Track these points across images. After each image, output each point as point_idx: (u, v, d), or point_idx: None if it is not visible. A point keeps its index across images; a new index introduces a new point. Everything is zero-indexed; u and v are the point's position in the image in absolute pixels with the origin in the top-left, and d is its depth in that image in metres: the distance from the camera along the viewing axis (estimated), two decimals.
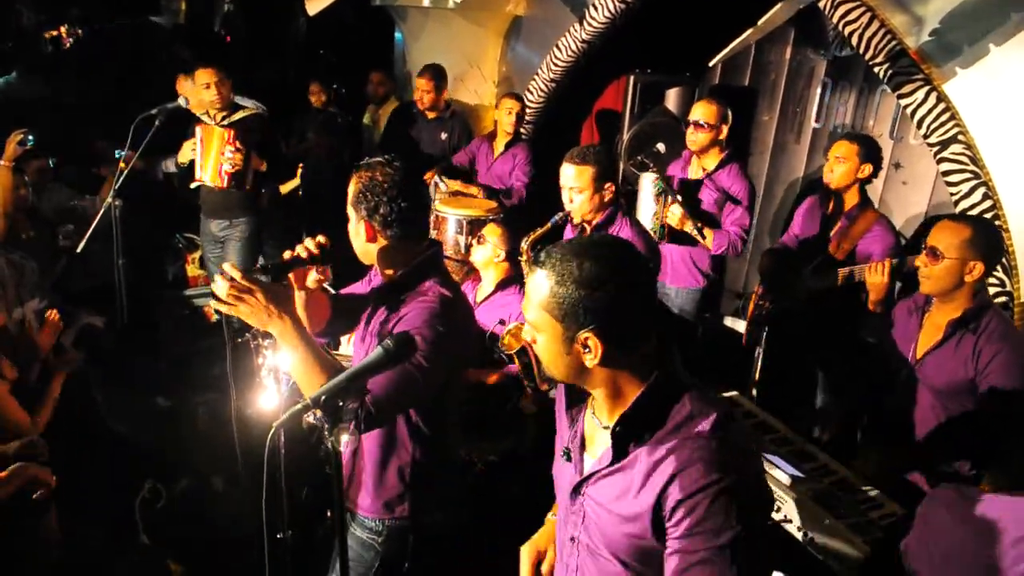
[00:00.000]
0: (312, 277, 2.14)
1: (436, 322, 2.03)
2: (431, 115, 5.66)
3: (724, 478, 1.36)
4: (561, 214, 3.26)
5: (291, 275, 2.09)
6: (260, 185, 4.69)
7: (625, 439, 1.48)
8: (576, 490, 1.60)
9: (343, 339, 3.59)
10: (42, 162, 4.69)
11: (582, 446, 1.62)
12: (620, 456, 1.49)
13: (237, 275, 1.90)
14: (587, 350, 1.41)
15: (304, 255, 2.05)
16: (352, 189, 2.10)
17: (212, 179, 4.40)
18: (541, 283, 1.41)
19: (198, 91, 4.49)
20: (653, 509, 1.42)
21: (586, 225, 3.25)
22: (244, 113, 4.63)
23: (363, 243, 2.14)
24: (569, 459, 1.63)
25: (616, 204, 3.23)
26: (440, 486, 2.34)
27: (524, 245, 3.37)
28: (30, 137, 3.82)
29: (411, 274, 2.14)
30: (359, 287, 2.45)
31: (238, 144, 4.29)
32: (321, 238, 2.08)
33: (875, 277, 3.22)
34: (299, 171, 6.12)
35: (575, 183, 3.15)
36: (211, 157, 4.36)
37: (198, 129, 4.40)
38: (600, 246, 1.41)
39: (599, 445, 1.57)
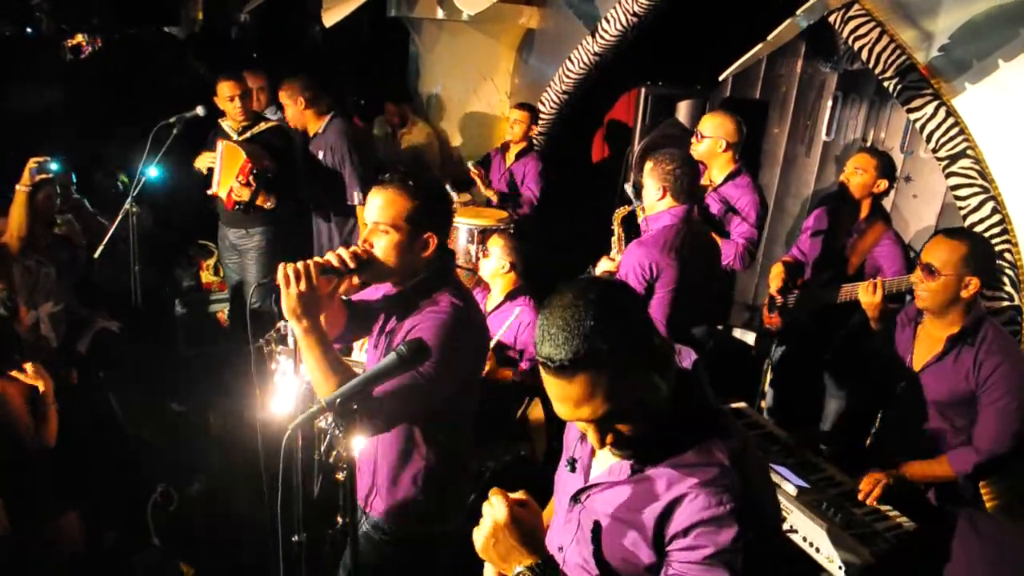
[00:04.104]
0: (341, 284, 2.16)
1: (447, 333, 2.05)
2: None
3: (735, 510, 1.37)
4: (639, 202, 3.52)
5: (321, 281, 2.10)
6: (278, 198, 4.69)
7: (644, 461, 1.48)
8: (575, 497, 1.60)
9: (355, 345, 3.63)
10: (65, 177, 4.73)
11: (592, 454, 1.61)
12: (635, 473, 1.49)
13: (321, 259, 2.00)
14: None
15: (336, 263, 2.04)
16: (407, 204, 2.08)
17: (224, 197, 4.52)
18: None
19: (222, 102, 4.54)
20: (655, 525, 1.43)
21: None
22: (265, 126, 4.68)
23: (415, 257, 2.13)
24: (573, 470, 1.64)
25: (677, 206, 3.31)
26: (452, 494, 2.37)
27: (615, 221, 3.74)
28: (52, 165, 3.79)
29: (424, 283, 2.17)
30: (370, 293, 2.47)
31: (250, 179, 4.37)
32: (349, 251, 2.07)
33: (867, 296, 3.21)
34: None
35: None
36: (227, 177, 4.43)
37: (219, 144, 4.45)
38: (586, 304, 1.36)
39: (609, 456, 1.54)
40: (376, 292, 2.45)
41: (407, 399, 2.02)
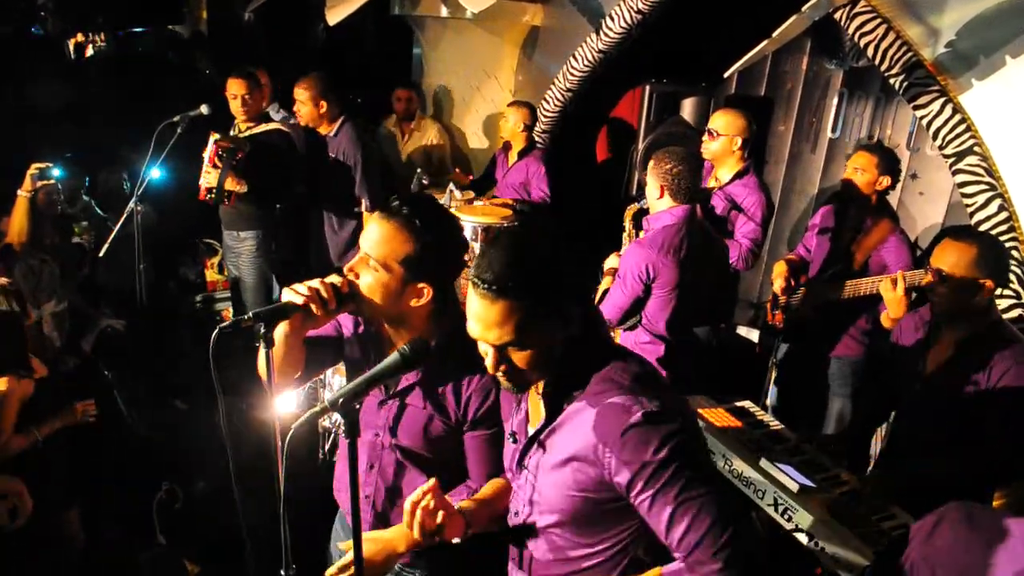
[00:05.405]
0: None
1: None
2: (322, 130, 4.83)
3: (646, 414, 1.46)
4: (646, 201, 3.52)
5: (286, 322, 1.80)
6: (272, 201, 4.67)
7: (557, 398, 1.59)
8: (520, 462, 1.69)
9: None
10: (73, 181, 4.75)
11: (527, 421, 1.71)
12: (555, 414, 1.60)
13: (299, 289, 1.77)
14: None
15: (310, 296, 1.76)
16: (407, 245, 1.78)
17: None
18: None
19: (229, 98, 4.53)
20: (590, 459, 1.52)
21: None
22: (267, 127, 4.62)
23: (403, 305, 1.85)
24: (515, 442, 1.73)
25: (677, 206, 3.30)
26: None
27: (626, 218, 3.71)
28: (54, 172, 3.82)
29: (455, 337, 1.79)
30: (329, 331, 2.10)
31: (216, 161, 4.29)
32: (327, 284, 1.78)
33: (889, 291, 3.17)
34: None
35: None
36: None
37: (211, 137, 4.43)
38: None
39: (539, 414, 1.66)
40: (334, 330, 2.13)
41: None
